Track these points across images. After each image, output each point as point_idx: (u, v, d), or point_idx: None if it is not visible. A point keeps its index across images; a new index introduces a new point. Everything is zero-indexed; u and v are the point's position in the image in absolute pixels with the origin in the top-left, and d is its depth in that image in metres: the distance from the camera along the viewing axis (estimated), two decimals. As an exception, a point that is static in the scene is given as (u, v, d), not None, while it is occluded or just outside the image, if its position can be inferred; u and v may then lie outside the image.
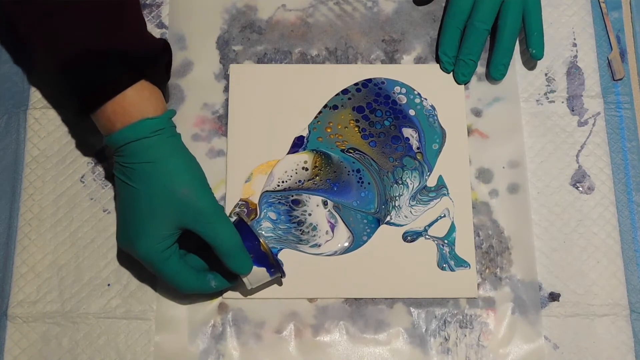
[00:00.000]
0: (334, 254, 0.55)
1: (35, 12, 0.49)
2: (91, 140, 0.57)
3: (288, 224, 0.56)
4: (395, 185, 0.57)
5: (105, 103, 0.49)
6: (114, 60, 0.49)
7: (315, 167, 0.57)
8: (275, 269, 0.51)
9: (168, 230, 0.49)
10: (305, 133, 0.58)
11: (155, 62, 0.51)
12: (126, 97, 0.49)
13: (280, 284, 0.54)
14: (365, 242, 0.55)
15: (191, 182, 0.49)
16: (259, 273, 0.51)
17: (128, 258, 0.55)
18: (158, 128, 0.49)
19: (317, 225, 0.56)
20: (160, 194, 0.48)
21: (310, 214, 0.56)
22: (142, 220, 0.49)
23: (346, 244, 0.55)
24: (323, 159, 0.58)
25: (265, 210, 0.56)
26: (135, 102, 0.49)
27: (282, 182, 0.57)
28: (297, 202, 0.56)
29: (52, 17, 0.49)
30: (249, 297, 0.54)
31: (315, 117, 0.58)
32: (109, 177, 0.57)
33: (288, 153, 0.58)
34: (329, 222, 0.56)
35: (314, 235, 0.56)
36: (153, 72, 0.51)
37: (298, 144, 0.58)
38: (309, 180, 0.57)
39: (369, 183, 0.57)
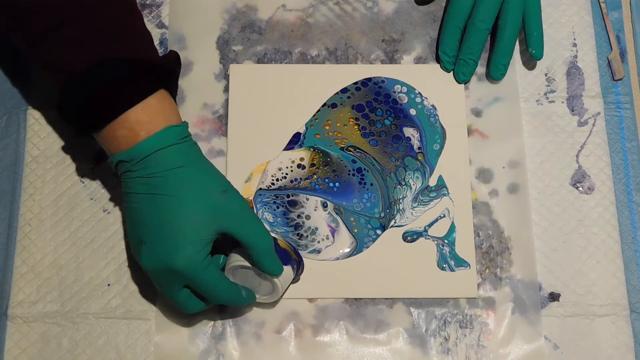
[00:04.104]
0: (335, 259, 0.55)
1: (45, 22, 0.47)
2: (92, 140, 0.57)
3: (285, 227, 0.55)
4: (398, 186, 0.57)
5: (128, 111, 0.47)
6: (136, 69, 0.48)
7: (313, 165, 0.57)
8: (299, 264, 0.52)
9: (208, 235, 0.47)
10: (302, 130, 0.58)
11: (172, 72, 0.51)
12: (150, 105, 0.48)
13: (298, 280, 0.54)
14: (368, 247, 0.55)
15: (225, 183, 0.49)
16: (286, 272, 0.51)
17: (128, 258, 0.55)
18: (185, 135, 0.49)
19: (316, 229, 0.56)
20: (198, 197, 0.47)
21: (308, 217, 0.56)
22: (181, 228, 0.46)
23: (347, 250, 0.55)
24: (321, 156, 0.57)
25: (261, 211, 0.56)
26: (160, 110, 0.48)
27: (277, 180, 0.57)
28: (294, 204, 0.56)
29: (69, 25, 0.47)
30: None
31: (313, 115, 0.58)
32: (109, 177, 0.57)
33: (284, 150, 0.57)
34: (329, 226, 0.56)
35: (313, 240, 0.55)
36: (170, 82, 0.50)
37: (294, 141, 0.58)
38: (305, 179, 0.57)
39: (371, 184, 0.57)
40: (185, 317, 0.53)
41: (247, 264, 0.49)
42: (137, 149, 0.47)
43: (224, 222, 0.48)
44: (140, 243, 0.48)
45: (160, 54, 0.59)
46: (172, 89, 0.51)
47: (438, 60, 0.60)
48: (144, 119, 0.47)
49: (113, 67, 0.47)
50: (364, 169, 0.57)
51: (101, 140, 0.49)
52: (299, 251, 0.54)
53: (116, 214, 0.56)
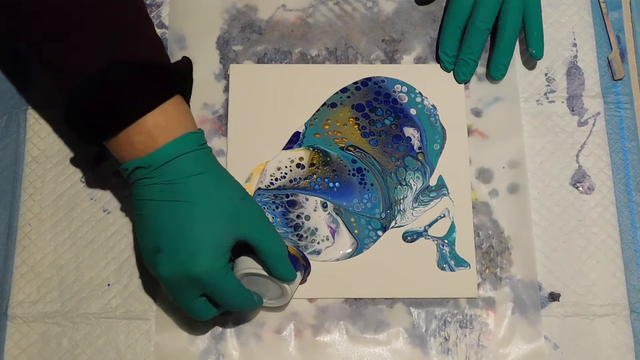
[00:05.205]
0: (336, 260, 0.55)
1: (53, 25, 0.47)
2: (101, 146, 0.57)
3: (285, 228, 0.55)
4: (399, 186, 0.57)
5: (145, 116, 0.46)
6: (152, 73, 0.47)
7: (312, 164, 0.57)
8: (305, 268, 0.52)
9: (228, 242, 0.47)
10: (301, 130, 0.58)
11: (187, 77, 0.50)
12: (168, 110, 0.47)
13: (304, 281, 0.54)
14: (368, 248, 0.55)
15: (242, 189, 0.49)
16: (296, 278, 0.51)
17: (128, 258, 0.55)
18: (202, 142, 0.48)
19: (315, 229, 0.56)
20: (218, 204, 0.47)
21: (308, 217, 0.56)
22: (202, 236, 0.46)
23: (349, 250, 0.55)
24: (320, 156, 0.57)
25: None
26: (177, 115, 0.47)
27: (276, 179, 0.57)
28: (293, 204, 0.56)
29: (79, 28, 0.46)
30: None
31: (313, 114, 0.58)
32: (109, 177, 0.57)
33: (283, 149, 0.57)
34: (329, 226, 0.56)
35: (313, 241, 0.55)
36: (185, 88, 0.50)
37: (293, 140, 0.58)
38: (305, 179, 0.57)
39: (372, 184, 0.57)
40: (185, 317, 0.53)
41: (260, 271, 0.49)
42: (156, 155, 0.46)
43: (242, 229, 0.47)
44: (156, 251, 0.47)
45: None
46: (187, 95, 0.50)
47: (438, 60, 0.60)
48: (162, 124, 0.46)
49: (128, 70, 0.46)
50: (364, 169, 0.57)
51: (114, 146, 0.48)
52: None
53: (116, 214, 0.56)
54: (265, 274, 0.49)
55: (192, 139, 0.47)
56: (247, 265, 0.49)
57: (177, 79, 0.48)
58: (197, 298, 0.48)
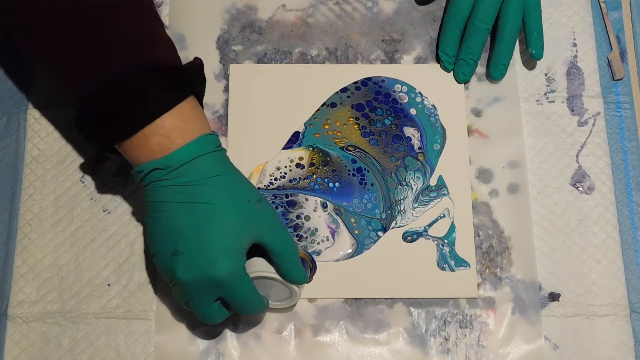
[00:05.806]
0: (336, 261, 0.55)
1: (66, 30, 0.46)
2: (111, 150, 0.56)
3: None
4: (399, 187, 0.57)
5: (163, 116, 0.45)
6: (168, 73, 0.47)
7: (312, 164, 0.57)
8: (312, 270, 0.51)
9: (246, 244, 0.46)
10: (301, 129, 0.58)
11: (200, 78, 0.50)
12: (185, 111, 0.46)
13: (310, 281, 0.53)
14: (369, 249, 0.55)
15: (258, 192, 0.49)
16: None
17: (128, 258, 0.55)
18: (218, 143, 0.48)
19: (315, 230, 0.56)
20: (237, 206, 0.46)
21: (308, 218, 0.56)
22: (223, 238, 0.45)
23: (349, 251, 0.55)
24: (320, 156, 0.57)
25: None
26: (193, 116, 0.47)
27: (275, 179, 0.57)
28: (292, 204, 0.56)
29: (93, 32, 0.46)
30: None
31: (312, 114, 0.58)
32: (109, 177, 0.57)
33: (282, 149, 0.57)
34: (329, 227, 0.55)
35: (313, 242, 0.55)
36: (200, 89, 0.50)
37: (293, 140, 0.58)
38: (305, 179, 0.57)
39: (372, 184, 0.57)
40: (185, 317, 0.53)
41: (273, 274, 0.49)
42: (174, 157, 0.46)
43: (259, 232, 0.47)
44: (174, 254, 0.46)
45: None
46: (200, 96, 0.50)
47: (438, 60, 0.60)
48: (180, 125, 0.46)
49: (146, 71, 0.46)
50: (365, 169, 0.57)
51: (128, 148, 0.47)
52: None
53: (116, 214, 0.56)
54: (278, 277, 0.49)
55: (209, 141, 0.47)
56: (260, 268, 0.49)
57: (191, 80, 0.48)
58: (212, 302, 0.47)
